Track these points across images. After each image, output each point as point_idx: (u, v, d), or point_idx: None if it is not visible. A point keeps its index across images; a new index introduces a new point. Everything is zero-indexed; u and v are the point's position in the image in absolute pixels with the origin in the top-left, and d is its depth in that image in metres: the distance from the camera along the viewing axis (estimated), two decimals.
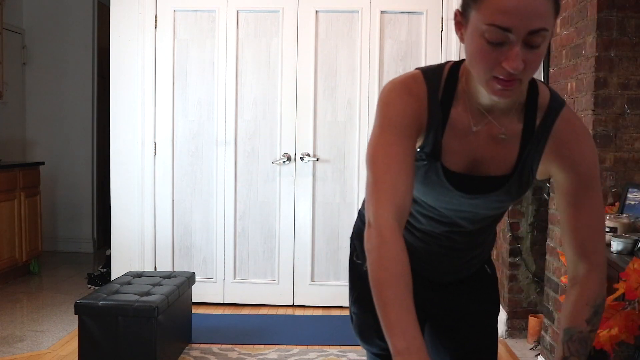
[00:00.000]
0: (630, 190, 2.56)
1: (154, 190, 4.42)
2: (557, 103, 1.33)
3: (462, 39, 1.21)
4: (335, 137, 4.36)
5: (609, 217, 2.44)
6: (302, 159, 4.35)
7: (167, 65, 4.37)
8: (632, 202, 2.53)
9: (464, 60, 1.29)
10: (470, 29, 1.17)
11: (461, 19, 1.20)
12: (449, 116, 1.31)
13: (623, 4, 2.58)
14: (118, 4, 4.37)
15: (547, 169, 1.36)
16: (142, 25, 4.35)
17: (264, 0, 4.33)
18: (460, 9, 1.21)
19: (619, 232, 2.38)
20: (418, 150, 1.33)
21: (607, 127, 2.62)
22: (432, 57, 4.34)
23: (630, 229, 2.40)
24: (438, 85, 1.31)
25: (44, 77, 6.13)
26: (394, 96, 1.29)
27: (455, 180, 1.34)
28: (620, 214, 2.48)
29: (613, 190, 2.63)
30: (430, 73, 1.32)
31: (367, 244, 1.21)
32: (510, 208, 3.79)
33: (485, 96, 1.26)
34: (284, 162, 4.35)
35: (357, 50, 4.34)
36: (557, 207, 1.51)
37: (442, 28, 4.32)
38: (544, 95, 1.33)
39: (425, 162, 1.33)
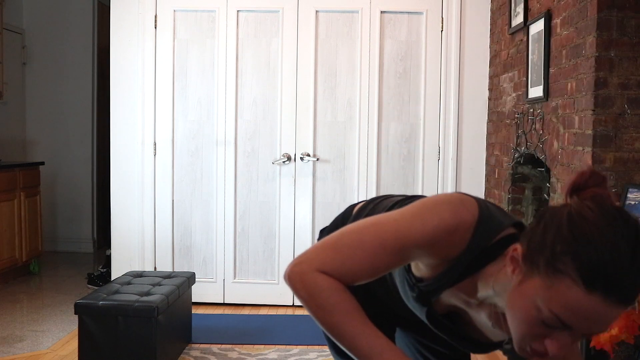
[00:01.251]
0: (630, 190, 2.56)
1: (154, 190, 4.42)
2: None
3: (512, 273, 1.09)
4: (335, 137, 4.37)
5: None
6: (302, 159, 4.35)
7: (167, 65, 4.37)
8: (632, 202, 2.53)
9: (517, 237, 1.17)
10: (527, 287, 1.04)
11: (522, 263, 1.07)
12: (465, 279, 1.20)
13: (623, 4, 2.58)
14: (118, 4, 4.38)
15: None
16: (142, 25, 4.35)
17: (264, 0, 4.33)
18: (525, 250, 1.07)
19: None
20: (414, 277, 1.26)
21: (607, 127, 2.62)
22: (432, 57, 4.34)
23: None
24: (479, 245, 1.17)
25: (44, 77, 6.13)
26: (447, 209, 1.17)
27: (436, 321, 1.28)
28: None
29: (613, 190, 2.63)
30: (484, 227, 1.18)
31: (297, 282, 1.13)
32: (509, 208, 3.79)
33: (502, 304, 1.14)
34: (284, 162, 4.35)
35: (357, 50, 4.34)
36: None
37: (442, 28, 4.32)
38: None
39: (414, 294, 1.26)
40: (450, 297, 1.24)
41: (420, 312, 1.28)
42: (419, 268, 1.24)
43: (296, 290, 1.13)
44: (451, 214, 1.15)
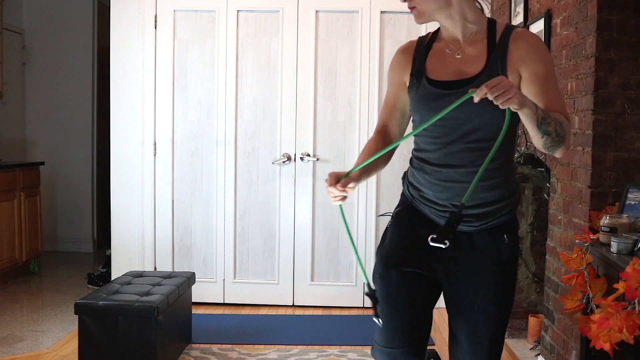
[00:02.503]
0: (630, 190, 2.56)
1: (154, 190, 4.42)
2: (511, 26, 1.83)
3: None
4: (335, 137, 4.37)
5: (609, 217, 2.44)
6: (302, 159, 4.35)
7: (167, 65, 4.37)
8: (632, 202, 2.53)
9: None
10: None
11: None
12: (431, 49, 1.90)
13: (623, 4, 2.58)
14: (118, 4, 4.38)
15: (515, 74, 1.75)
16: (142, 25, 4.35)
17: (264, 0, 4.33)
18: None
19: (619, 232, 2.38)
20: (409, 80, 1.89)
21: (607, 127, 2.62)
22: None
23: (630, 229, 2.40)
24: (426, 37, 1.96)
25: (44, 77, 6.13)
26: (392, 60, 2.00)
27: (438, 85, 1.81)
28: (620, 214, 2.48)
29: (613, 190, 2.63)
30: (423, 35, 1.99)
31: None
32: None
33: (446, 30, 1.87)
34: (284, 162, 4.35)
35: (357, 50, 4.34)
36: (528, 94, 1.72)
37: None
38: (501, 25, 1.83)
39: (415, 82, 1.86)
40: (433, 62, 1.86)
41: (429, 95, 1.82)
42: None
43: None
44: (398, 50, 2.06)
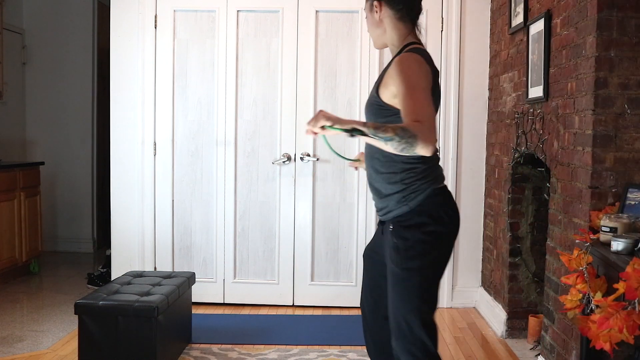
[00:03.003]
0: (630, 190, 2.56)
1: (154, 190, 4.42)
2: (402, 52, 2.17)
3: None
4: (335, 137, 4.36)
5: (609, 217, 2.44)
6: (302, 159, 4.35)
7: (167, 65, 4.37)
8: (632, 202, 2.53)
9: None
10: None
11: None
12: None
13: (623, 4, 2.58)
14: (118, 4, 4.38)
15: (388, 89, 2.15)
16: (142, 25, 4.35)
17: (264, 0, 4.33)
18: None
19: (619, 232, 2.38)
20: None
21: (607, 127, 2.62)
22: (432, 57, 4.33)
23: (630, 229, 2.40)
24: None
25: (44, 77, 6.13)
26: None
27: None
28: (620, 214, 2.48)
29: (613, 190, 2.63)
30: None
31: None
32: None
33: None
34: (284, 162, 4.35)
35: (357, 50, 4.34)
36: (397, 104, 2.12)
37: (442, 28, 4.32)
38: (407, 50, 2.20)
39: None
40: None
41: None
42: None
43: None
44: None
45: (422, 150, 1.92)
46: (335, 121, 2.07)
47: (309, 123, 2.11)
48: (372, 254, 2.43)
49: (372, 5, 2.24)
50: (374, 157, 2.28)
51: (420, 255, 2.16)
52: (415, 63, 2.10)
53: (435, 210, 2.19)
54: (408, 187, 2.21)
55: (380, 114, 2.19)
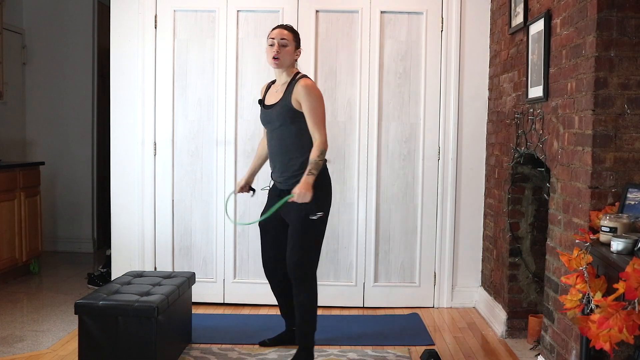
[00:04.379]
0: (630, 190, 2.56)
1: (154, 190, 4.42)
2: (299, 78, 3.28)
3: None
4: (335, 137, 4.36)
5: (609, 217, 2.44)
6: None
7: (167, 65, 4.37)
8: (632, 202, 2.53)
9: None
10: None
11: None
12: (269, 88, 3.46)
13: (623, 4, 2.58)
14: (118, 4, 4.38)
15: (296, 102, 3.23)
16: (142, 25, 4.35)
17: (264, 0, 4.33)
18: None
19: (619, 232, 2.38)
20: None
21: (607, 127, 2.62)
22: (432, 57, 4.34)
23: (630, 229, 2.40)
24: (270, 82, 3.51)
25: (44, 77, 6.13)
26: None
27: (264, 106, 3.40)
28: (620, 214, 2.48)
29: (613, 190, 2.63)
30: (272, 81, 3.49)
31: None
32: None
33: (277, 78, 3.39)
34: None
35: (357, 50, 4.34)
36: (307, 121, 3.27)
37: (442, 28, 4.32)
38: (298, 76, 3.31)
39: (260, 108, 3.45)
40: (268, 96, 3.42)
41: (262, 111, 3.42)
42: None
43: None
44: None
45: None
46: (309, 189, 3.17)
47: (298, 197, 3.16)
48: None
49: (297, 48, 3.33)
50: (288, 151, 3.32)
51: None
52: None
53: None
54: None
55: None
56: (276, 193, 3.40)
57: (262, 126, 3.46)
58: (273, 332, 3.78)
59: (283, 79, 3.32)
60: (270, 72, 4.36)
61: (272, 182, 3.48)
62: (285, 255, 3.38)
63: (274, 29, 3.32)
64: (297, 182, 3.19)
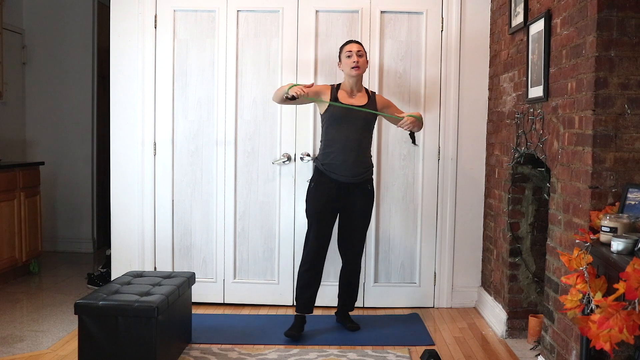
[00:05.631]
0: (630, 190, 2.56)
1: (154, 190, 4.42)
2: (373, 92, 3.91)
3: (339, 65, 3.87)
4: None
5: (609, 217, 2.44)
6: (302, 159, 4.35)
7: (167, 65, 4.37)
8: (632, 202, 2.53)
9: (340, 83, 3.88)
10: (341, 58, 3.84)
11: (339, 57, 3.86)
12: (338, 91, 3.81)
13: (623, 4, 2.58)
14: (118, 4, 4.38)
15: (381, 110, 3.82)
16: (142, 25, 4.35)
17: (264, 0, 4.33)
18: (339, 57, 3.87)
19: (619, 232, 2.38)
20: (328, 107, 3.76)
21: (607, 127, 2.62)
22: (432, 57, 4.34)
23: (630, 229, 2.40)
24: (334, 86, 3.84)
25: (44, 77, 6.13)
26: None
27: (347, 106, 3.72)
28: (620, 214, 2.48)
29: (613, 190, 2.63)
30: (335, 85, 3.88)
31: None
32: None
33: (347, 84, 3.83)
34: (284, 162, 4.35)
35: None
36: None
37: (442, 28, 4.32)
38: (370, 91, 3.90)
39: (334, 107, 3.73)
40: (342, 97, 3.81)
41: (337, 112, 3.74)
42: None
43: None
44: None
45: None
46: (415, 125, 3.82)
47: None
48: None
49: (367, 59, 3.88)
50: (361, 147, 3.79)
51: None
52: None
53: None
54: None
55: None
56: (334, 186, 3.73)
57: (333, 122, 3.73)
58: (273, 331, 3.78)
59: (357, 87, 3.80)
60: (270, 73, 4.37)
61: (312, 177, 3.85)
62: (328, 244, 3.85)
63: (347, 43, 3.80)
64: (367, 175, 3.79)
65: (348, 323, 3.97)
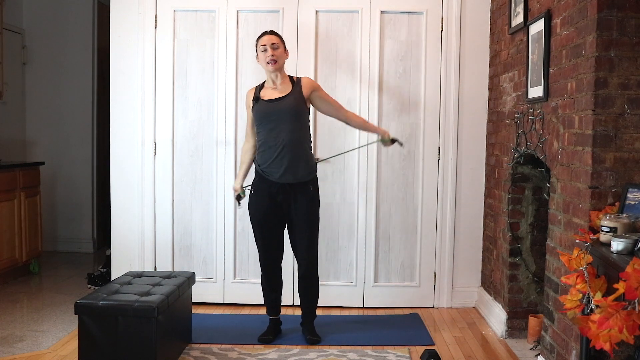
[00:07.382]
0: (630, 190, 2.56)
1: (154, 190, 4.42)
2: (298, 78, 3.66)
3: (258, 60, 3.65)
4: (335, 137, 4.36)
5: (609, 217, 2.44)
6: None
7: (167, 65, 4.37)
8: (632, 202, 2.53)
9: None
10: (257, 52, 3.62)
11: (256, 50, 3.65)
12: (261, 89, 3.62)
13: (623, 4, 2.58)
14: (118, 4, 4.38)
15: (308, 93, 3.59)
16: (142, 25, 4.35)
17: (264, 0, 4.33)
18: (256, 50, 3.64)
19: (619, 232, 2.38)
20: (252, 109, 3.57)
21: (607, 127, 2.62)
22: (432, 57, 4.34)
23: (630, 229, 2.40)
24: (258, 86, 3.66)
25: (44, 77, 6.13)
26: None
27: (267, 101, 3.55)
28: (620, 214, 2.48)
29: (613, 190, 2.63)
30: (260, 83, 3.70)
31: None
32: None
33: (269, 80, 3.62)
34: None
35: (357, 50, 4.34)
36: (326, 112, 3.75)
37: (442, 28, 4.32)
38: (295, 77, 3.66)
39: (257, 106, 3.55)
40: (265, 93, 3.60)
41: (263, 109, 3.55)
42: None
43: None
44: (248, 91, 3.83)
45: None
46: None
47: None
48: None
49: (285, 49, 3.64)
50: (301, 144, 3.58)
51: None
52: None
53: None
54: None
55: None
56: (273, 190, 3.56)
57: (258, 120, 3.55)
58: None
59: (279, 80, 3.58)
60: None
61: (252, 183, 3.65)
62: (281, 255, 3.77)
63: (260, 36, 3.58)
64: (310, 173, 3.63)
65: (308, 335, 3.70)
